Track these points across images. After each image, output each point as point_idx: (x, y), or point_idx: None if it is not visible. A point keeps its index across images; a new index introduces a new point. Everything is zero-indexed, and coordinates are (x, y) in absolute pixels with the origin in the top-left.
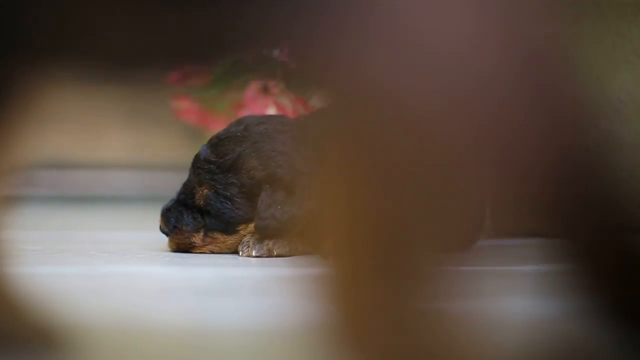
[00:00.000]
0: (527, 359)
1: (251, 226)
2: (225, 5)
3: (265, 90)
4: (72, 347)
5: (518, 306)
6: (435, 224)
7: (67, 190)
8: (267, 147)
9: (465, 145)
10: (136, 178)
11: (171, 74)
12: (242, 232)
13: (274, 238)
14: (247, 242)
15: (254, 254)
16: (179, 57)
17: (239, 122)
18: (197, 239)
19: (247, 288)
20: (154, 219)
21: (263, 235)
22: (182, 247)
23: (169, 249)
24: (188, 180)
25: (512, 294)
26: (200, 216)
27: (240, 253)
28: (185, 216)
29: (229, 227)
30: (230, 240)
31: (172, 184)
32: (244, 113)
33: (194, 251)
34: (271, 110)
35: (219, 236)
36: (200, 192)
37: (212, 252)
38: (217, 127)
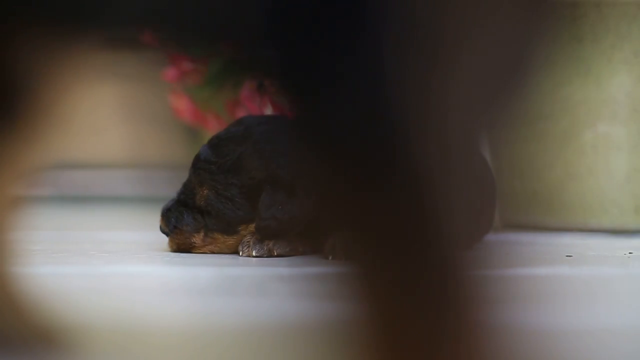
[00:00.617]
0: None
1: (252, 226)
2: None
3: (261, 89)
4: (72, 347)
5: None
6: (449, 222)
7: (67, 190)
8: (268, 147)
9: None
10: (135, 177)
11: (168, 70)
12: (242, 233)
13: (274, 238)
14: (248, 242)
15: (254, 254)
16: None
17: (240, 122)
18: (198, 239)
19: (247, 288)
20: (154, 219)
21: (264, 235)
22: (182, 247)
23: (169, 249)
24: (188, 181)
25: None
26: (200, 216)
27: (241, 253)
28: (185, 216)
29: (229, 227)
30: (231, 240)
31: (172, 183)
32: (240, 112)
33: (194, 251)
34: (268, 110)
35: (220, 236)
36: (201, 193)
37: (213, 252)
38: (212, 126)
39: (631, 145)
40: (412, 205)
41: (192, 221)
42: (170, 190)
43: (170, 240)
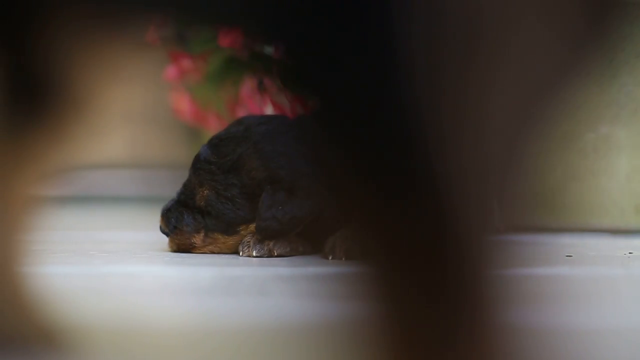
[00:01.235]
0: None
1: (252, 227)
2: None
3: (261, 88)
4: (72, 347)
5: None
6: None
7: (67, 190)
8: (268, 147)
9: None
10: (135, 177)
11: (168, 69)
12: (242, 233)
13: (274, 239)
14: (248, 242)
15: (254, 254)
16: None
17: (240, 122)
18: (198, 239)
19: (247, 288)
20: (154, 219)
21: (264, 236)
22: (182, 247)
23: (169, 249)
24: (188, 181)
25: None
26: (200, 216)
27: (241, 253)
28: (185, 216)
29: (229, 227)
30: (231, 240)
31: (172, 183)
32: (241, 111)
33: (194, 251)
34: (268, 109)
35: (220, 237)
36: (201, 193)
37: (213, 253)
38: (213, 125)
39: (632, 146)
40: (429, 204)
41: (192, 221)
42: (170, 190)
43: (171, 241)
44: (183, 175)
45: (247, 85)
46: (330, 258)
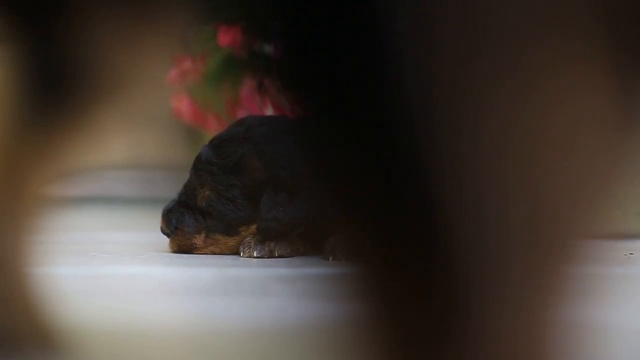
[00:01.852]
0: None
1: (253, 227)
2: None
3: (261, 88)
4: (73, 347)
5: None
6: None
7: (67, 191)
8: (269, 148)
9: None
10: (136, 178)
11: (170, 71)
12: (243, 234)
13: (275, 239)
14: (249, 242)
15: (255, 254)
16: None
17: (241, 122)
18: (199, 240)
19: (247, 288)
20: (155, 219)
21: (265, 237)
22: (183, 248)
23: (170, 250)
24: (189, 181)
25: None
26: (201, 217)
27: (242, 254)
28: (186, 217)
29: (230, 228)
30: (232, 241)
31: (172, 184)
32: (241, 112)
33: (195, 252)
34: (269, 110)
35: (221, 237)
36: (202, 194)
37: (214, 253)
38: (213, 126)
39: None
40: (425, 205)
41: (193, 222)
42: (171, 191)
43: (171, 241)
44: (183, 176)
45: (247, 86)
46: (330, 259)
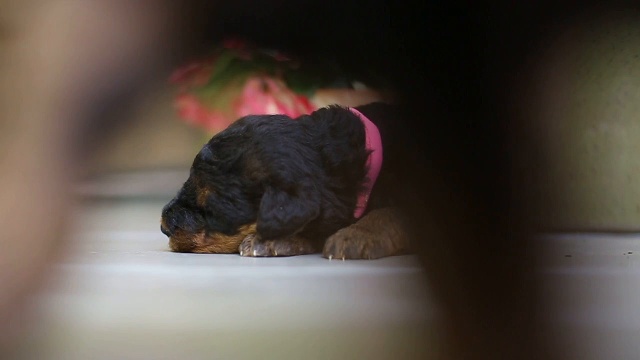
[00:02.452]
0: None
1: (253, 227)
2: None
3: (264, 89)
4: (72, 347)
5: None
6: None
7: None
8: (269, 148)
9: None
10: (137, 177)
11: (174, 72)
12: (243, 233)
13: (275, 239)
14: (249, 241)
15: (255, 253)
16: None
17: (241, 122)
18: (199, 239)
19: (247, 288)
20: (155, 218)
21: (265, 236)
22: (183, 247)
23: (170, 249)
24: (189, 181)
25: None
26: (201, 216)
27: (241, 253)
28: (186, 216)
29: (230, 227)
30: (232, 240)
31: (173, 183)
32: (244, 111)
33: (195, 251)
34: (271, 109)
35: (221, 237)
36: (202, 193)
37: (214, 252)
38: (216, 125)
39: (632, 145)
40: (494, 201)
41: (193, 221)
42: (171, 190)
43: (172, 240)
44: (185, 175)
45: (251, 86)
46: (330, 258)
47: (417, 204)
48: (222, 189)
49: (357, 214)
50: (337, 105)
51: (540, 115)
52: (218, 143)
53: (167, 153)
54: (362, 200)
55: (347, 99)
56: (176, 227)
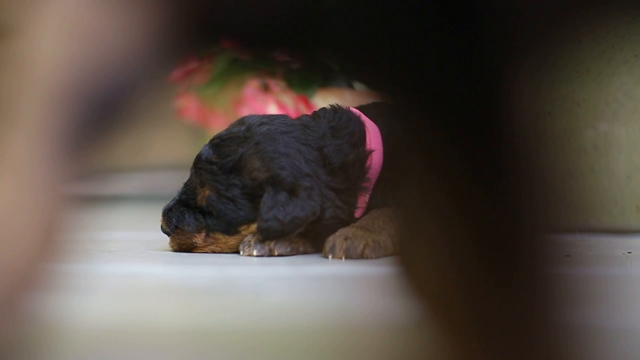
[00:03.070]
0: None
1: (253, 227)
2: None
3: (265, 88)
4: (72, 347)
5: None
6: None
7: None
8: (270, 148)
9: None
10: (137, 177)
11: (174, 72)
12: (244, 233)
13: (276, 239)
14: (249, 241)
15: (255, 253)
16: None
17: (241, 122)
18: (199, 239)
19: (247, 287)
20: (155, 218)
21: (266, 236)
22: (183, 247)
23: (170, 249)
24: (189, 181)
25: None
26: (202, 216)
27: (242, 252)
28: (187, 216)
29: (230, 227)
30: (232, 240)
31: (173, 183)
32: (244, 111)
33: (195, 251)
34: (272, 109)
35: (221, 236)
36: (202, 193)
37: (214, 252)
38: (217, 124)
39: (632, 145)
40: (512, 198)
41: (193, 221)
42: (172, 190)
43: (172, 240)
44: (185, 175)
45: (251, 86)
46: (330, 257)
47: (418, 203)
48: (223, 189)
49: (357, 213)
50: (337, 105)
51: (540, 115)
52: (218, 143)
53: (167, 152)
54: (363, 200)
55: (348, 99)
56: (176, 227)
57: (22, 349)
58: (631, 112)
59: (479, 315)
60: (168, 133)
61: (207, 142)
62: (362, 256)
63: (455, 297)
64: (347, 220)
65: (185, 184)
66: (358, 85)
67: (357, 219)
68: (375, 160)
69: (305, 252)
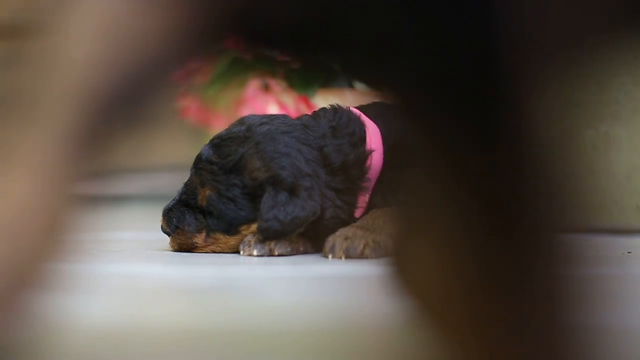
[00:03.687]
0: None
1: (253, 227)
2: None
3: (266, 88)
4: (72, 347)
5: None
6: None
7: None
8: (270, 148)
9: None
10: (138, 177)
11: (175, 72)
12: (244, 233)
13: (276, 239)
14: (249, 241)
15: (255, 253)
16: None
17: (241, 122)
18: (199, 239)
19: (247, 287)
20: (156, 218)
21: (266, 236)
22: (184, 247)
23: (170, 249)
24: (190, 181)
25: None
26: (202, 216)
27: (242, 252)
28: (187, 216)
29: (231, 227)
30: (233, 240)
31: (174, 183)
32: (245, 111)
33: (195, 251)
34: (272, 109)
35: (221, 236)
36: (203, 193)
37: (214, 252)
38: (217, 125)
39: (631, 145)
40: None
41: (193, 221)
42: (172, 190)
43: (172, 240)
44: (185, 175)
45: (252, 86)
46: (330, 257)
47: (418, 203)
48: (223, 189)
49: (357, 213)
50: (338, 104)
51: (546, 115)
52: (218, 143)
53: (168, 153)
54: (363, 200)
55: (348, 99)
56: (177, 227)
57: (23, 349)
58: (631, 113)
59: (479, 315)
60: (169, 133)
61: (208, 142)
62: (362, 256)
63: (455, 297)
64: (347, 220)
65: (186, 184)
66: (359, 85)
67: (357, 218)
68: (376, 160)
69: (305, 252)
